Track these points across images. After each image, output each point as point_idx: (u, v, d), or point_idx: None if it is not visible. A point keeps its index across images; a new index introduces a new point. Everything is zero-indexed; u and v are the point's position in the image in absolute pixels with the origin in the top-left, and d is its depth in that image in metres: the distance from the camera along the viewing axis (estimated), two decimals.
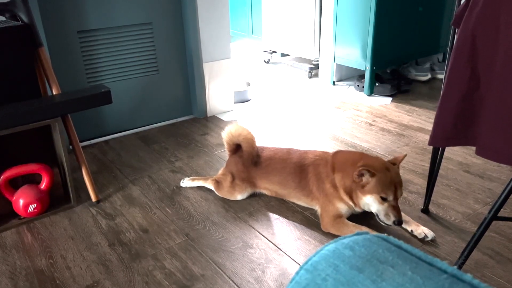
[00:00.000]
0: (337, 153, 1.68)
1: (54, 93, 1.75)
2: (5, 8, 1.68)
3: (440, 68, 3.32)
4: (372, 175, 1.49)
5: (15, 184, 1.70)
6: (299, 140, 2.38)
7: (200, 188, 1.92)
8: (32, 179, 1.74)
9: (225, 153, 1.97)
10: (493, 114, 1.17)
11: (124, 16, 2.35)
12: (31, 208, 1.69)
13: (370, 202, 1.52)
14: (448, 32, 3.34)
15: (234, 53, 4.26)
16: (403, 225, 1.60)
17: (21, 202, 1.67)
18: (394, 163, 1.57)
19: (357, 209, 1.61)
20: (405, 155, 1.63)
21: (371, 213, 1.70)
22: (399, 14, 2.96)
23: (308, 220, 1.69)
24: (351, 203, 1.59)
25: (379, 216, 1.53)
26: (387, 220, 1.51)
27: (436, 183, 1.73)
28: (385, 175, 1.50)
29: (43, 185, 1.72)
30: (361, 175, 1.51)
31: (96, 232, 1.65)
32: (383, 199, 1.49)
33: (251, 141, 1.79)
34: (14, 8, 1.67)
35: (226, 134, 1.84)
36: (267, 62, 3.99)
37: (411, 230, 1.57)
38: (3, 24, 1.62)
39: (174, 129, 2.58)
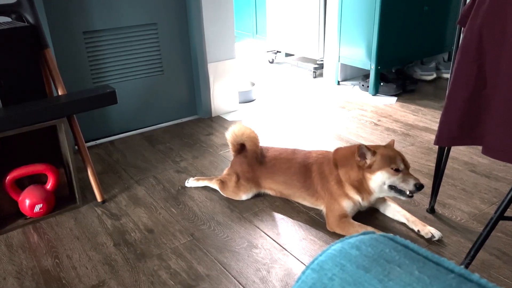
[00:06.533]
0: (337, 149, 1.69)
1: (59, 93, 1.76)
2: (11, 10, 1.69)
3: (445, 68, 3.31)
4: (374, 153, 1.53)
5: (21, 184, 1.71)
6: (303, 140, 2.37)
7: (205, 188, 1.92)
8: (38, 180, 1.75)
9: (229, 153, 1.97)
10: (500, 113, 1.16)
11: (129, 17, 2.36)
12: (37, 208, 1.69)
13: (384, 178, 1.52)
14: (454, 31, 3.33)
15: (239, 53, 4.26)
16: (410, 225, 1.59)
17: (27, 202, 1.68)
18: None
19: (364, 204, 1.61)
20: (393, 141, 1.65)
21: (375, 213, 1.69)
22: (404, 13, 2.95)
23: (313, 220, 1.68)
24: (357, 197, 1.59)
25: (397, 186, 1.51)
26: (407, 185, 1.49)
27: (442, 183, 1.73)
28: (386, 149, 1.55)
29: (49, 185, 1.72)
30: (362, 155, 1.53)
31: (101, 232, 1.65)
32: (396, 170, 1.50)
33: (254, 139, 1.80)
34: (20, 9, 1.68)
35: (229, 134, 1.85)
36: (272, 62, 3.99)
37: (418, 230, 1.56)
38: (9, 25, 1.63)
39: (179, 129, 2.58)
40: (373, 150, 1.53)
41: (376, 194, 1.59)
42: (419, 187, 1.49)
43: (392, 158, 1.51)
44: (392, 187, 1.53)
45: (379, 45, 2.88)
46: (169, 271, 1.43)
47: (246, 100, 2.97)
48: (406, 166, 1.53)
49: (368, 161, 1.53)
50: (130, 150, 2.33)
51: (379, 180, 1.53)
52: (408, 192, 1.52)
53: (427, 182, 1.89)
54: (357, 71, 3.35)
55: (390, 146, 1.61)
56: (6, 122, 1.52)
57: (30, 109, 1.56)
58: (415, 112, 2.70)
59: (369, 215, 1.68)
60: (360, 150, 1.52)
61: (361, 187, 1.57)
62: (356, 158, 1.54)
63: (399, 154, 1.54)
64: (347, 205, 1.60)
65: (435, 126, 2.45)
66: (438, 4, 3.15)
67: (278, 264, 1.45)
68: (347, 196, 1.60)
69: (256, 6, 4.18)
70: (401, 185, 1.51)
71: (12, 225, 1.69)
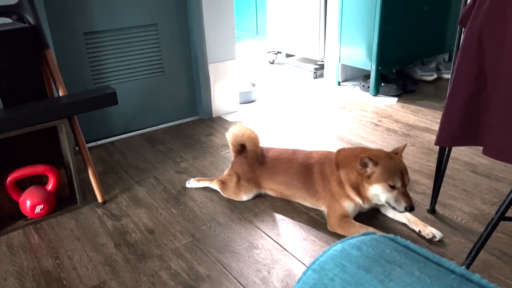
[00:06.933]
0: (340, 150, 1.69)
1: (60, 94, 1.76)
2: (12, 10, 1.69)
3: (446, 68, 3.31)
4: (375, 163, 1.50)
5: (22, 185, 1.71)
6: (304, 141, 2.37)
7: (206, 189, 1.92)
8: (39, 180, 1.75)
9: (230, 154, 1.97)
10: (500, 113, 1.16)
11: (129, 18, 2.36)
12: (38, 209, 1.70)
13: (379, 192, 1.51)
14: (454, 32, 3.33)
15: (239, 54, 4.26)
16: (411, 226, 1.59)
17: (28, 203, 1.68)
18: (396, 153, 1.59)
19: (365, 206, 1.61)
20: (405, 145, 1.63)
21: (377, 214, 1.69)
22: (404, 14, 2.94)
23: (313, 220, 1.68)
24: (357, 199, 1.59)
25: (390, 203, 1.51)
26: (398, 206, 1.49)
27: (443, 184, 1.73)
28: (389, 162, 1.51)
29: (49, 186, 1.72)
30: (364, 165, 1.51)
31: (102, 232, 1.65)
32: (392, 187, 1.49)
33: (254, 140, 1.80)
34: (21, 10, 1.68)
35: (230, 135, 1.85)
36: (272, 63, 3.99)
37: (419, 231, 1.56)
38: (10, 26, 1.63)
39: (180, 130, 2.58)
40: (375, 160, 1.50)
41: (374, 202, 1.59)
42: (409, 209, 1.48)
43: (391, 174, 1.49)
44: (386, 203, 1.53)
45: (380, 46, 2.88)
46: (170, 271, 1.43)
47: (247, 100, 2.97)
48: (404, 183, 1.50)
49: (369, 171, 1.52)
50: (131, 150, 2.33)
51: (375, 193, 1.53)
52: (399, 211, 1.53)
53: (428, 183, 1.89)
54: (357, 72, 3.34)
55: (398, 152, 1.59)
56: (7, 123, 1.52)
57: (31, 110, 1.56)
58: (416, 113, 2.70)
59: (370, 216, 1.68)
60: (362, 161, 1.51)
61: (359, 189, 1.57)
62: (358, 166, 1.53)
63: (400, 169, 1.50)
64: (348, 206, 1.60)
65: (436, 127, 2.44)
66: (439, 4, 3.15)
67: (278, 265, 1.45)
68: (348, 197, 1.60)
69: (257, 7, 4.18)
70: (393, 204, 1.51)
71: (13, 226, 1.69)
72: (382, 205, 1.68)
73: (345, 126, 2.54)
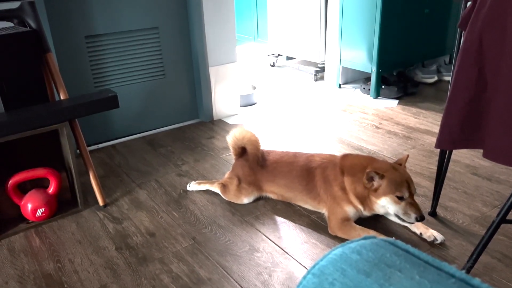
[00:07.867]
0: (345, 156, 1.68)
1: (61, 98, 1.76)
2: (13, 14, 1.70)
3: (446, 70, 3.31)
4: (382, 176, 1.50)
5: (23, 188, 1.72)
6: (305, 143, 2.37)
7: (207, 191, 1.92)
8: (40, 184, 1.75)
9: (231, 157, 1.97)
10: (501, 117, 1.16)
11: (130, 21, 2.37)
12: (39, 212, 1.70)
13: (387, 204, 1.51)
14: (455, 34, 3.33)
15: (240, 56, 4.27)
16: (412, 228, 1.59)
17: (29, 206, 1.68)
18: (400, 164, 1.59)
19: (365, 213, 1.61)
20: (408, 156, 1.63)
21: (378, 216, 1.69)
22: (405, 16, 2.95)
23: (314, 223, 1.68)
24: (360, 206, 1.59)
25: (399, 216, 1.52)
26: (408, 218, 1.50)
27: (444, 186, 1.73)
28: (394, 174, 1.51)
29: (51, 190, 1.73)
30: (370, 178, 1.51)
31: (103, 236, 1.65)
32: (400, 198, 1.49)
33: (255, 142, 1.80)
34: (22, 14, 1.69)
35: (230, 138, 1.85)
36: (273, 66, 4.00)
37: (420, 233, 1.56)
38: (11, 30, 1.64)
39: (181, 132, 2.59)
40: (381, 173, 1.50)
41: (380, 213, 1.59)
42: (420, 219, 1.48)
43: (398, 185, 1.49)
44: (395, 215, 1.53)
45: (380, 48, 2.88)
46: (171, 275, 1.43)
47: (248, 103, 2.98)
48: (411, 193, 1.50)
49: (375, 184, 1.52)
50: (132, 153, 2.33)
51: (383, 205, 1.53)
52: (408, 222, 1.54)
53: (429, 185, 1.89)
54: (358, 74, 3.35)
55: (401, 163, 1.59)
56: (8, 127, 1.53)
57: (32, 114, 1.57)
58: (417, 115, 2.70)
59: (372, 218, 1.67)
60: (368, 175, 1.51)
61: (364, 201, 1.57)
62: (364, 181, 1.53)
63: (406, 179, 1.51)
64: (349, 210, 1.60)
65: (437, 129, 2.44)
66: (439, 7, 3.16)
67: (279, 268, 1.45)
68: (350, 202, 1.60)
69: (257, 10, 4.19)
70: (403, 217, 1.50)
71: (14, 229, 1.69)
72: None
73: (346, 129, 2.54)
